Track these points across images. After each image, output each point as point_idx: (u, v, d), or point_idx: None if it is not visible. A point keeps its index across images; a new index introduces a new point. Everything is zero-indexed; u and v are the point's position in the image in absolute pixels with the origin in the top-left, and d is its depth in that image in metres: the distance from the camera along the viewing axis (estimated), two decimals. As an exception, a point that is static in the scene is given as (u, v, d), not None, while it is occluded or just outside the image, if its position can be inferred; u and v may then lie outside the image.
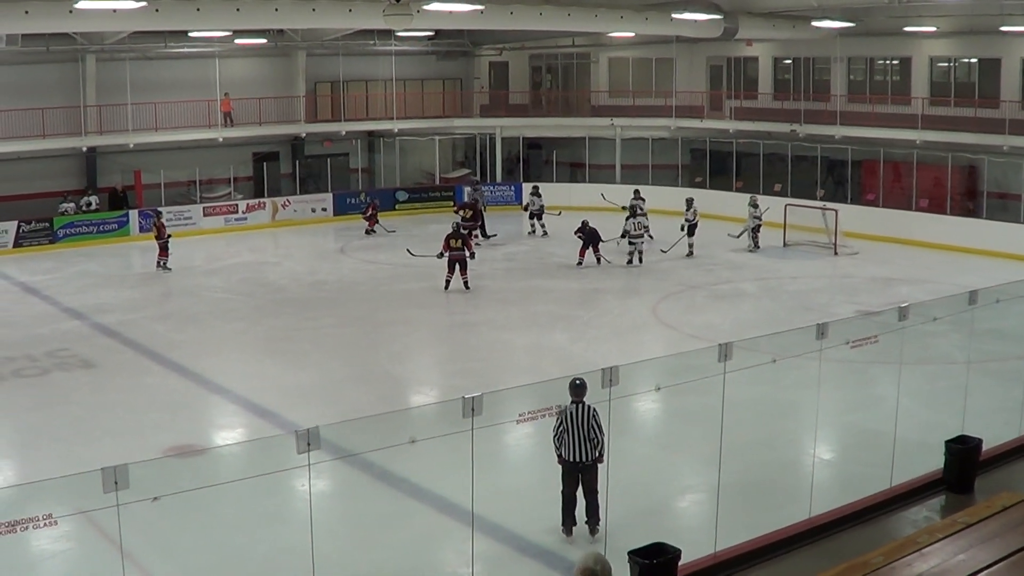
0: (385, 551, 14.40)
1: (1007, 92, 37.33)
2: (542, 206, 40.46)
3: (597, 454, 13.85)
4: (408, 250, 31.27)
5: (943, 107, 39.17)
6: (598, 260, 34.06)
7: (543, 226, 39.94)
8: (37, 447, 18.93)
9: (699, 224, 35.80)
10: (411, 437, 10.89)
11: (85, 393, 22.12)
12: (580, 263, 34.02)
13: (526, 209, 41.17)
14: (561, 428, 13.86)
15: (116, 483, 8.58)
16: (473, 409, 10.26)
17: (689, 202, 36.08)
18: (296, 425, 15.88)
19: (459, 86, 51.88)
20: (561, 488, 14.12)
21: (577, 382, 13.87)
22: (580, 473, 13.97)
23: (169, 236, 34.69)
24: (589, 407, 13.72)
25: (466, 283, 30.70)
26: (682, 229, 35.69)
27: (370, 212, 41.77)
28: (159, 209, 37.77)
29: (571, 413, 13.74)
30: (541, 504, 14.60)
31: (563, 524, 14.18)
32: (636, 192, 37.77)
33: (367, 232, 41.34)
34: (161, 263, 34.36)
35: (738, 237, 36.87)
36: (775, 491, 15.36)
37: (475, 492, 11.07)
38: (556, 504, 14.14)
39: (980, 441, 14.09)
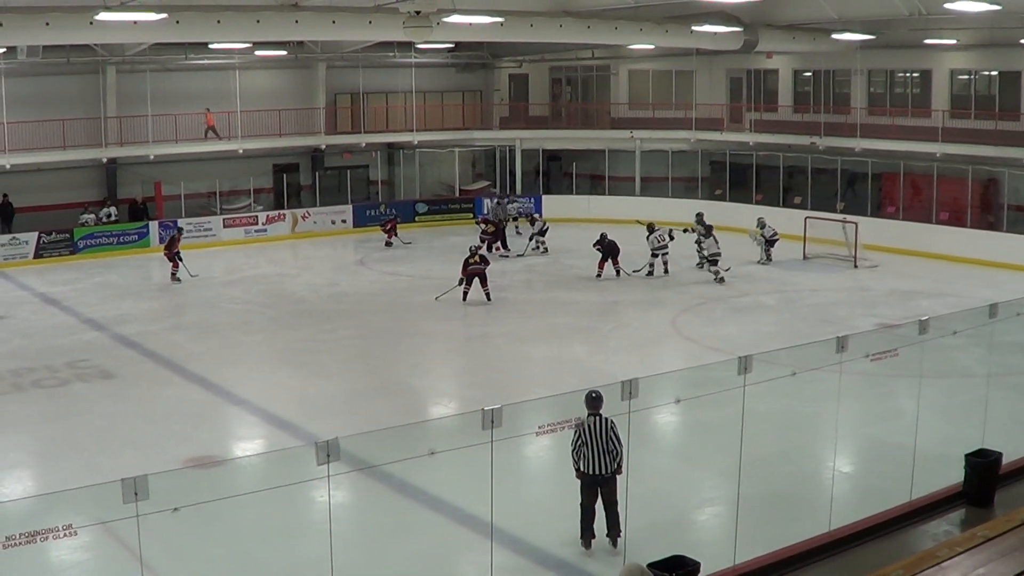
0: (404, 563, 14.40)
1: (1028, 105, 37.27)
2: (545, 223, 40.18)
3: (616, 466, 13.83)
4: (436, 298, 31.12)
5: (963, 120, 39.08)
6: (617, 272, 34.03)
7: (543, 242, 39.62)
8: (57, 458, 18.98)
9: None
10: (430, 449, 10.90)
11: (105, 404, 22.17)
12: (599, 275, 34.00)
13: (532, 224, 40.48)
14: (579, 442, 13.82)
15: (136, 494, 8.61)
16: (492, 421, 10.27)
17: (701, 218, 36.11)
18: (315, 436, 15.93)
19: (479, 98, 51.94)
20: (580, 501, 14.10)
21: (593, 395, 13.83)
22: (599, 486, 13.94)
23: (178, 251, 34.83)
24: (607, 419, 13.69)
25: (488, 295, 30.72)
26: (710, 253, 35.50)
27: (389, 226, 41.78)
28: (181, 226, 38.04)
29: (589, 426, 13.70)
30: (560, 516, 14.58)
31: (582, 537, 14.15)
32: (699, 216, 37.14)
33: (387, 244, 41.37)
34: (174, 274, 34.51)
35: (761, 260, 36.65)
36: (794, 504, 15.34)
37: (494, 504, 11.08)
38: (575, 516, 14.13)
39: (1000, 455, 14.08)
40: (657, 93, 49.60)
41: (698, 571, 11.20)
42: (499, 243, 39.11)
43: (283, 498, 10.87)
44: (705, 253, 34.59)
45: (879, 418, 19.37)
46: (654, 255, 34.46)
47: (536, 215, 41.34)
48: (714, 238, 34.49)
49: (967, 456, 14.01)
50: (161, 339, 27.23)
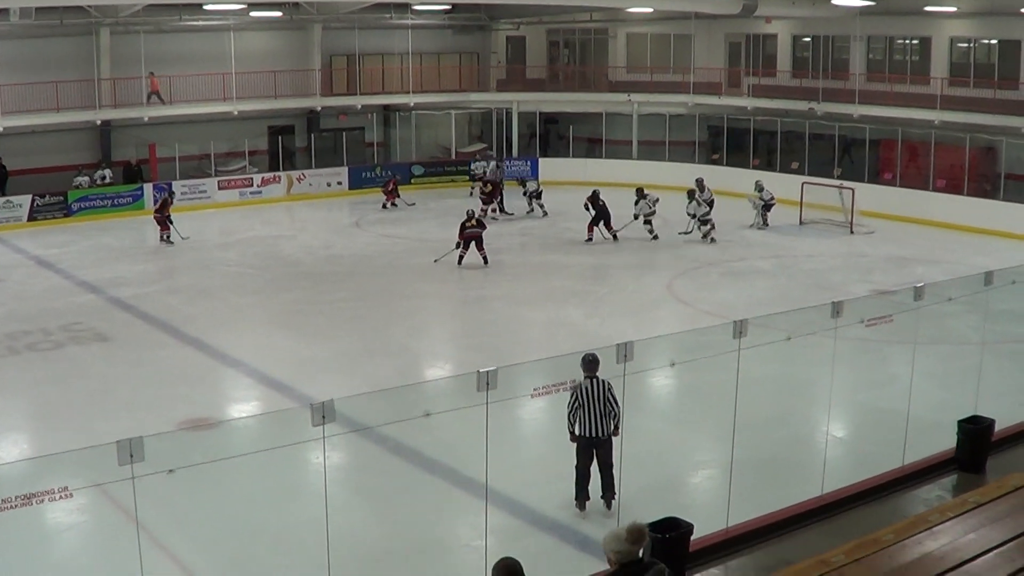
0: (399, 524, 14.46)
1: (1027, 73, 37.16)
2: (540, 187, 40.26)
3: (613, 428, 13.86)
4: (434, 260, 31.02)
5: (962, 88, 38.95)
6: (611, 236, 33.88)
7: (541, 206, 39.62)
8: (52, 420, 19.02)
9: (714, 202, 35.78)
10: (426, 410, 10.93)
11: (100, 366, 22.21)
12: (589, 239, 33.92)
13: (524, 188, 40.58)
14: (576, 404, 13.84)
15: (131, 456, 8.62)
16: (488, 383, 10.29)
17: (700, 183, 36.17)
18: (311, 398, 15.93)
19: (476, 60, 51.70)
20: (575, 463, 14.14)
21: (590, 357, 13.84)
22: (595, 448, 13.98)
23: (169, 215, 34.90)
24: (604, 381, 13.70)
25: (485, 259, 30.63)
26: (701, 214, 35.72)
27: (391, 187, 41.76)
28: (173, 191, 38.16)
29: (586, 389, 13.72)
30: (555, 478, 14.62)
31: (576, 498, 14.21)
32: (699, 181, 36.87)
33: (384, 206, 41.35)
34: (164, 237, 34.56)
35: (755, 224, 36.75)
36: (787, 468, 15.39)
37: (489, 466, 11.11)
38: (570, 478, 14.18)
39: (993, 422, 14.15)
40: (655, 57, 49.41)
41: (691, 533, 11.25)
42: (496, 204, 39.08)
43: (278, 460, 10.91)
44: (696, 213, 34.72)
45: (873, 383, 19.43)
46: (646, 221, 34.49)
47: (530, 178, 41.23)
48: (698, 201, 34.76)
49: (960, 422, 14.07)
50: (156, 301, 27.24)
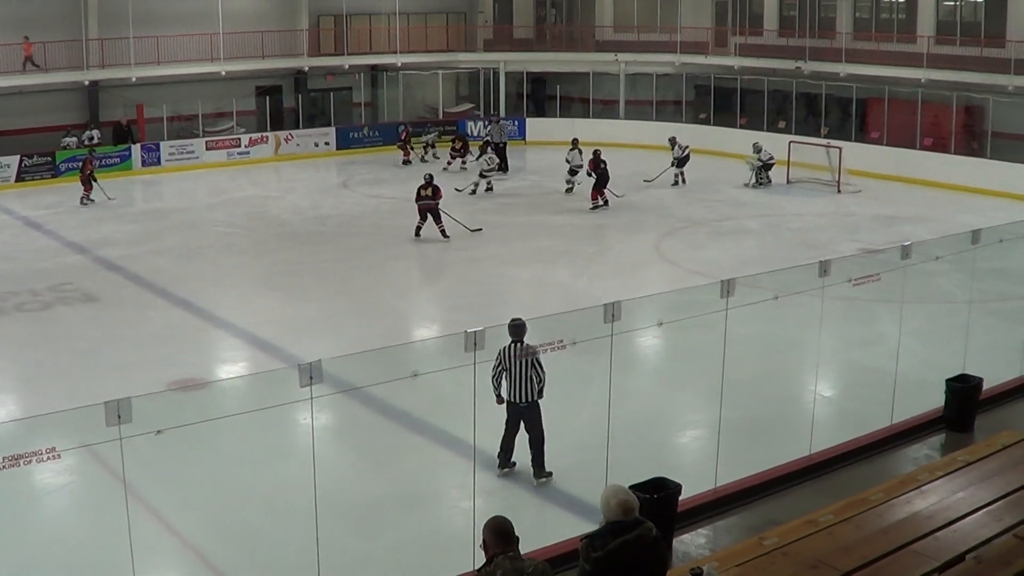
0: (387, 485, 14.45)
1: (1013, 32, 37.02)
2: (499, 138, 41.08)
3: (538, 391, 13.83)
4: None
5: (949, 46, 38.92)
6: (605, 202, 33.45)
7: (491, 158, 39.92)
8: (40, 381, 18.99)
9: (690, 158, 36.85)
10: (413, 371, 10.92)
11: (88, 327, 22.17)
12: (594, 206, 33.16)
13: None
14: (500, 368, 13.72)
15: (119, 417, 8.60)
16: (475, 343, 10.27)
17: (672, 140, 37.13)
18: (298, 359, 15.90)
19: (463, 20, 51.47)
20: (503, 435, 14.10)
21: (516, 322, 13.65)
22: (520, 416, 13.91)
23: (91, 173, 34.99)
24: (529, 347, 13.57)
25: (443, 231, 29.09)
26: (673, 164, 36.78)
27: (404, 137, 42.10)
28: (92, 148, 38.37)
29: (510, 354, 13.59)
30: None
31: (499, 466, 14.18)
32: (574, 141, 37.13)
33: (404, 162, 42.00)
34: (85, 197, 34.69)
35: (750, 183, 36.80)
36: (776, 428, 15.41)
37: (477, 426, 11.10)
38: (556, 439, 14.15)
39: (981, 380, 14.20)
40: (642, 16, 49.26)
41: (679, 493, 11.27)
42: (463, 159, 40.04)
43: (266, 420, 10.89)
44: (571, 162, 35.58)
45: (861, 342, 19.46)
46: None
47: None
48: (579, 150, 35.63)
49: (948, 381, 14.11)
50: (144, 262, 27.17)
